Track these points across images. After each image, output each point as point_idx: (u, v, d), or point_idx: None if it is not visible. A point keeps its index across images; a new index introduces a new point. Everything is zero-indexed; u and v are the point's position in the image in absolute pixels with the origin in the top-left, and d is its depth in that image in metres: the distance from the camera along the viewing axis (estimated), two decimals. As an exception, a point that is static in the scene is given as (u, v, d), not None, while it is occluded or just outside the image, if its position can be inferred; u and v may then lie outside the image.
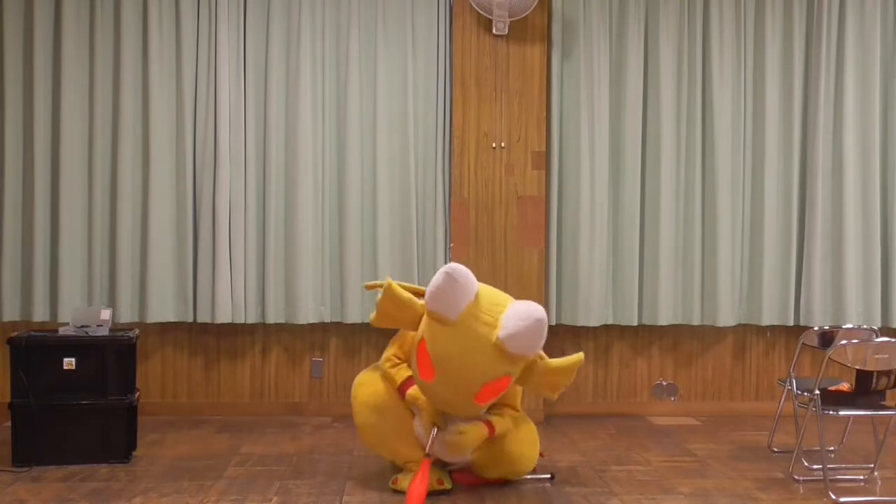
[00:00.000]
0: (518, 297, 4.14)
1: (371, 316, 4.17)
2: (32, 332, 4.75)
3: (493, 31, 5.66)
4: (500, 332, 3.79)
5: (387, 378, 4.21)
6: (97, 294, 5.68)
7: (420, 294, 4.13)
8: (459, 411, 4.05)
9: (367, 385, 4.28)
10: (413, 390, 4.10)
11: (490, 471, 4.26)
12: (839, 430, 5.10)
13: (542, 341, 3.87)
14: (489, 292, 3.97)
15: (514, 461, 4.26)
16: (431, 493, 4.05)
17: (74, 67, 5.64)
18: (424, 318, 3.95)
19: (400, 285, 4.10)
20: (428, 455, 4.03)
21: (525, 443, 4.30)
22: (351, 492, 4.21)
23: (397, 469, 4.29)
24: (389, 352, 4.27)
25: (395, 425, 4.16)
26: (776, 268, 5.98)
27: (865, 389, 4.29)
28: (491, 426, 4.09)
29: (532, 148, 5.74)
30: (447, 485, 4.15)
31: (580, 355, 4.04)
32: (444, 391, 3.93)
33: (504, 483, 4.31)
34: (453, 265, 3.85)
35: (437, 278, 3.84)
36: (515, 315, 3.82)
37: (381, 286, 4.20)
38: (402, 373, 4.17)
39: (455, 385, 3.88)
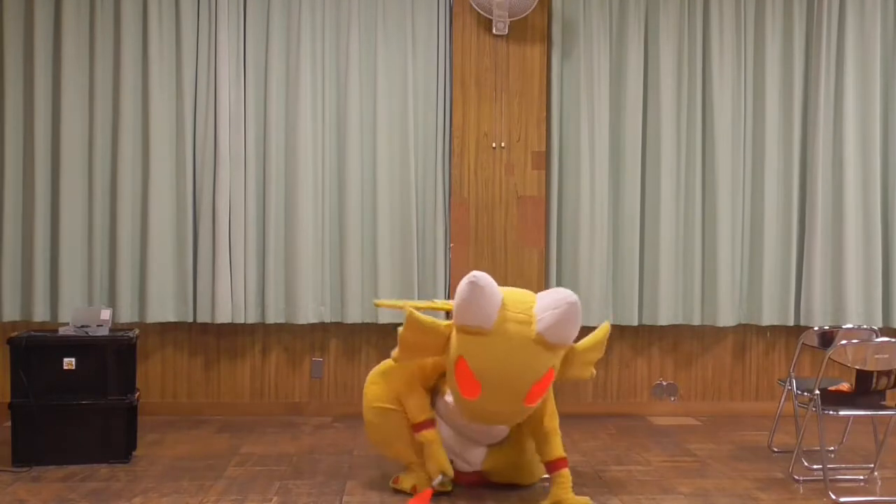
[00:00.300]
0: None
1: (393, 353, 4.02)
2: (32, 332, 4.75)
3: (493, 31, 5.66)
4: (538, 325, 3.73)
5: (405, 405, 4.10)
6: (97, 294, 5.67)
7: (436, 309, 4.07)
8: (508, 419, 3.98)
9: (378, 385, 4.24)
10: (427, 433, 4.02)
11: (502, 477, 4.24)
12: (839, 430, 5.09)
13: (580, 324, 3.82)
14: (511, 293, 3.90)
15: (528, 471, 4.27)
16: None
17: (74, 67, 5.64)
18: (455, 339, 3.84)
19: (416, 306, 3.99)
20: (432, 487, 4.00)
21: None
22: (351, 492, 4.21)
23: (398, 468, 4.29)
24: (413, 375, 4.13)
25: (399, 427, 4.14)
26: (776, 268, 5.98)
27: (865, 389, 4.29)
28: (564, 461, 4.03)
29: (532, 148, 5.74)
30: (447, 486, 4.15)
31: (607, 325, 4.03)
32: (493, 403, 3.82)
33: (505, 483, 4.30)
34: (474, 273, 3.77)
35: (462, 291, 3.76)
36: (548, 305, 3.77)
37: (394, 306, 4.17)
38: (423, 413, 4.05)
39: (503, 393, 3.79)
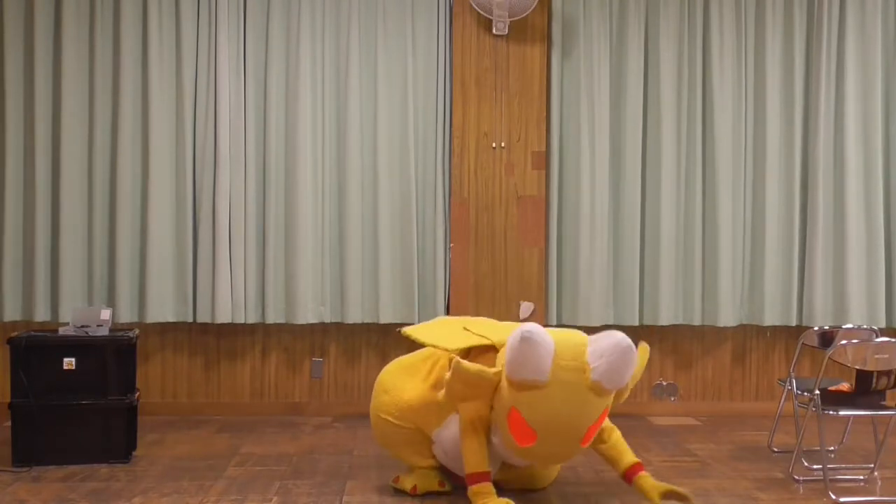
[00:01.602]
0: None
1: (439, 394, 3.93)
2: (32, 332, 4.75)
3: (493, 31, 5.66)
4: (593, 374, 3.63)
5: (462, 447, 3.88)
6: (97, 294, 5.68)
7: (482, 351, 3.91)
8: (564, 459, 3.99)
9: (388, 395, 4.15)
10: (483, 487, 3.80)
11: (514, 484, 4.20)
12: (839, 430, 5.09)
13: (635, 366, 3.75)
14: (561, 337, 3.77)
15: (540, 477, 4.25)
16: (432, 493, 4.07)
17: (74, 67, 5.64)
18: (506, 390, 3.71)
19: (469, 328, 3.86)
20: None
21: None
22: (351, 492, 4.21)
23: (399, 468, 4.29)
24: (477, 409, 3.86)
25: (404, 440, 4.11)
26: (778, 268, 5.97)
27: (865, 389, 4.29)
28: (640, 465, 3.99)
29: (532, 148, 5.74)
30: (448, 487, 4.14)
31: (646, 348, 4.00)
32: (548, 447, 3.74)
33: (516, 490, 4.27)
34: (525, 327, 3.65)
35: (514, 347, 3.63)
36: (602, 351, 3.66)
37: (433, 346, 4.04)
38: (482, 464, 3.83)
39: (560, 438, 3.72)
